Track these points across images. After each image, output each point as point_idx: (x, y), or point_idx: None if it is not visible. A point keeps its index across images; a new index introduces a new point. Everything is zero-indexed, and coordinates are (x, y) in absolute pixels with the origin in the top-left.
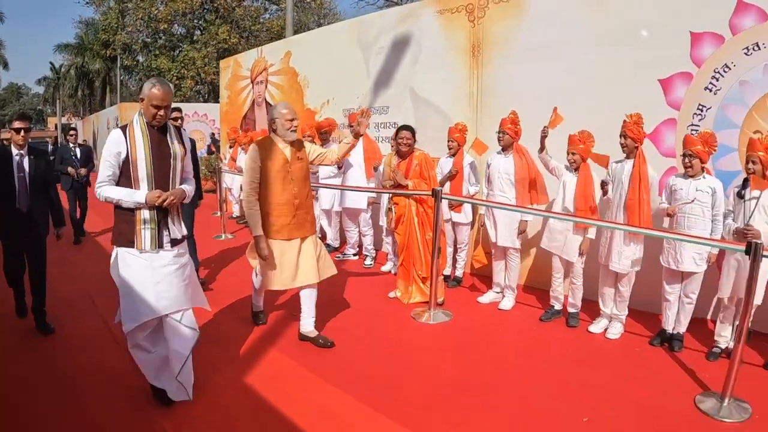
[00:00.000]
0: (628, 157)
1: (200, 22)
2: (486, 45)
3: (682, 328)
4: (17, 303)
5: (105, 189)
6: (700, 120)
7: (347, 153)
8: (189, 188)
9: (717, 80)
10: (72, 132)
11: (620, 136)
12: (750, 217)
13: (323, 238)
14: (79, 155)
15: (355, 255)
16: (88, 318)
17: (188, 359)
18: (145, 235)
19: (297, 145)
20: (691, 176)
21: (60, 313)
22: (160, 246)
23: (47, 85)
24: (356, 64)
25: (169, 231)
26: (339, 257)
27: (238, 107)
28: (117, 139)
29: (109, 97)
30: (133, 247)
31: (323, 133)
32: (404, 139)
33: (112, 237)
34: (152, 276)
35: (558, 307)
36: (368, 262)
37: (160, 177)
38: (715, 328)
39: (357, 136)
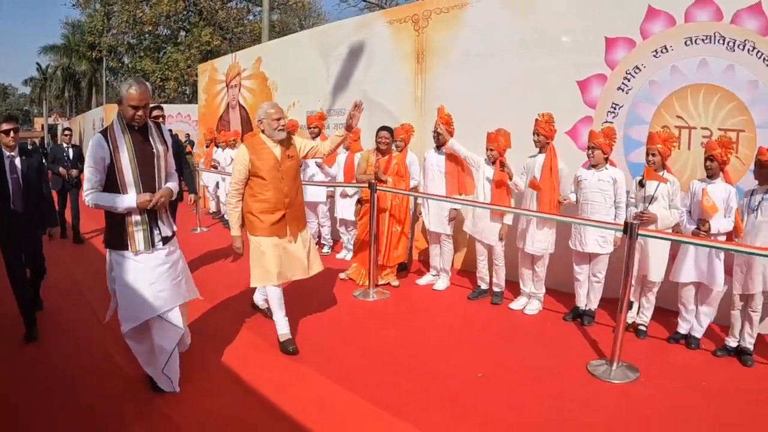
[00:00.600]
0: (540, 152)
1: (184, 24)
2: (429, 53)
3: (592, 305)
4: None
5: (94, 196)
6: (613, 117)
7: (339, 145)
8: (174, 185)
9: (628, 81)
10: (67, 132)
11: (533, 133)
12: (649, 204)
13: None
14: (71, 155)
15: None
16: (85, 317)
17: (173, 354)
18: (138, 236)
19: (286, 143)
20: (594, 166)
21: (56, 310)
22: (153, 245)
23: (34, 86)
24: (318, 70)
25: (159, 230)
26: None
27: (215, 109)
28: (99, 144)
29: (95, 98)
30: (127, 249)
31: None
32: (383, 138)
33: (104, 240)
34: (147, 277)
35: (484, 287)
36: (325, 250)
37: (147, 179)
38: None
39: (349, 128)
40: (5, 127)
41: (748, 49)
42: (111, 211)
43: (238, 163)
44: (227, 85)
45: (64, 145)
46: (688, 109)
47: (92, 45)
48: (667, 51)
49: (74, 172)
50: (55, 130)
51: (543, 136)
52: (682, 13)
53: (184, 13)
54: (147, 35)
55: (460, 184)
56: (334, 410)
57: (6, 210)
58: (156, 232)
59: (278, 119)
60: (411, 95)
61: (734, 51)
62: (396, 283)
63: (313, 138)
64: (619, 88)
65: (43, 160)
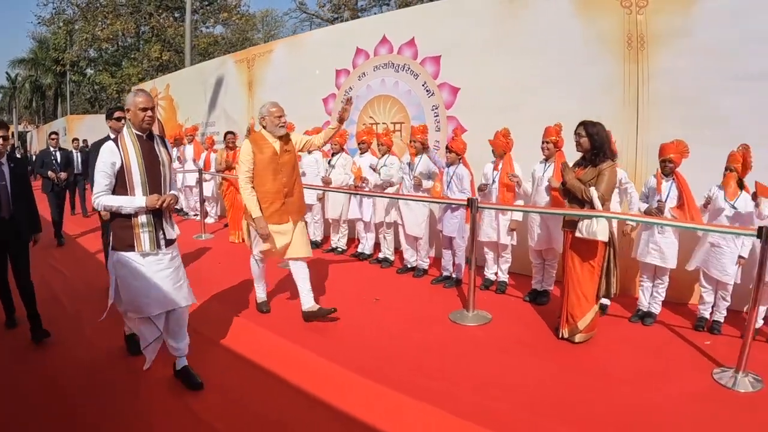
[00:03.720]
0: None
1: (137, 41)
2: (255, 84)
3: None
4: (6, 311)
5: (104, 198)
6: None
7: (332, 138)
8: (177, 193)
9: (347, 94)
10: (53, 136)
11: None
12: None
13: None
14: (59, 159)
15: None
16: (76, 320)
17: (151, 344)
18: (144, 237)
19: (285, 138)
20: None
21: (49, 316)
22: (158, 246)
23: (3, 95)
24: (199, 94)
25: (164, 232)
26: None
27: None
28: (111, 150)
29: (61, 108)
30: (133, 250)
31: (177, 138)
32: (230, 139)
33: (111, 242)
34: (149, 279)
35: (446, 274)
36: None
37: (153, 183)
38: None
39: (341, 121)
40: None
41: (406, 70)
42: (118, 214)
43: (244, 155)
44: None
45: (51, 149)
46: (375, 112)
47: (57, 60)
48: (365, 75)
49: (63, 175)
50: (25, 136)
51: (455, 152)
52: (373, 49)
53: (137, 30)
54: (105, 51)
55: None
56: (360, 396)
57: None
58: (161, 234)
59: (280, 116)
60: (247, 112)
61: (399, 72)
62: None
63: (229, 147)
64: (340, 102)
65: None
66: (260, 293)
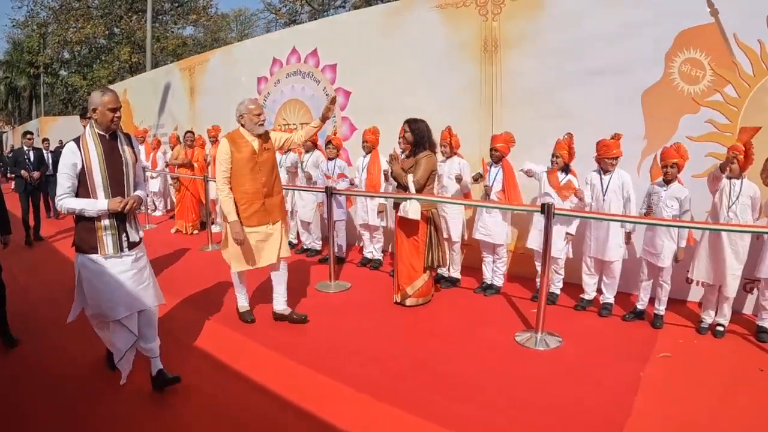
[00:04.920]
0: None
1: (108, 43)
2: (196, 89)
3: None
4: None
5: (66, 201)
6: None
7: (312, 135)
8: (142, 193)
9: (266, 100)
10: (30, 136)
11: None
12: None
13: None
14: (32, 158)
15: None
16: (55, 320)
17: (125, 355)
18: (107, 241)
19: (264, 137)
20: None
21: (27, 315)
22: (121, 249)
23: None
24: (152, 99)
25: (128, 235)
26: None
27: None
28: (72, 151)
29: (36, 109)
30: (96, 253)
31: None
32: (189, 137)
33: (74, 244)
34: (112, 281)
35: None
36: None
37: (115, 184)
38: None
39: (324, 119)
40: None
41: (311, 77)
42: (81, 216)
43: (221, 154)
44: None
45: (26, 148)
46: (288, 114)
47: (31, 62)
48: (279, 82)
49: (36, 174)
50: (0, 137)
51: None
52: (285, 59)
53: (107, 33)
54: (78, 53)
55: None
56: (328, 399)
57: None
58: (124, 237)
59: (259, 114)
60: (189, 115)
61: (305, 78)
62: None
63: (188, 146)
64: (264, 105)
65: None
66: (242, 302)
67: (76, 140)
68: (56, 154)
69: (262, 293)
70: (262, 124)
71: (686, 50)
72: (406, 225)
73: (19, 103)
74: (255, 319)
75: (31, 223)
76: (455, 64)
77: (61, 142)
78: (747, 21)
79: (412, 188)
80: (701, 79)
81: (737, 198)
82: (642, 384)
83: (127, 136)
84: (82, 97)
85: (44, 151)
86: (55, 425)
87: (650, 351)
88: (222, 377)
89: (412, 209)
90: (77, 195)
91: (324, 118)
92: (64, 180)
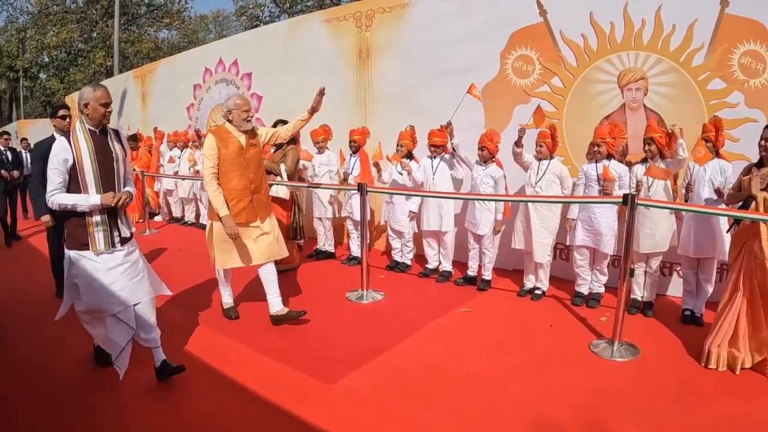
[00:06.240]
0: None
1: (84, 48)
2: (147, 96)
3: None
4: None
5: (58, 196)
6: (197, 122)
7: (300, 128)
8: (132, 189)
9: (200, 104)
10: (6, 136)
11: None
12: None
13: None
14: (10, 158)
15: None
16: (25, 323)
17: (123, 350)
18: (99, 236)
19: (251, 133)
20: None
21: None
22: (113, 245)
23: None
24: (113, 104)
25: (119, 231)
26: None
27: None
28: (62, 146)
29: (16, 112)
30: (87, 249)
31: None
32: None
33: (65, 241)
34: (105, 277)
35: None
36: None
37: (106, 180)
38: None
39: (313, 112)
40: None
41: (233, 84)
42: (72, 213)
43: (207, 150)
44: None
45: (2, 148)
46: (216, 117)
47: (10, 66)
48: (210, 89)
49: (16, 173)
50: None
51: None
52: (214, 68)
53: (86, 37)
54: (56, 57)
55: None
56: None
57: None
58: (115, 232)
59: (247, 111)
60: (141, 119)
61: (229, 85)
62: None
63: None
64: (197, 109)
65: None
66: (226, 298)
67: (67, 136)
68: (33, 153)
69: (248, 292)
70: (250, 120)
71: (519, 48)
72: (278, 203)
73: (0, 106)
74: (239, 316)
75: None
76: (338, 69)
77: (28, 143)
78: (572, 18)
79: (284, 176)
80: (531, 73)
81: (543, 175)
82: (423, 330)
83: (116, 132)
84: (59, 99)
85: (24, 151)
86: (41, 427)
87: (453, 307)
88: (209, 380)
89: (281, 191)
90: (68, 191)
91: (313, 111)
92: (55, 176)
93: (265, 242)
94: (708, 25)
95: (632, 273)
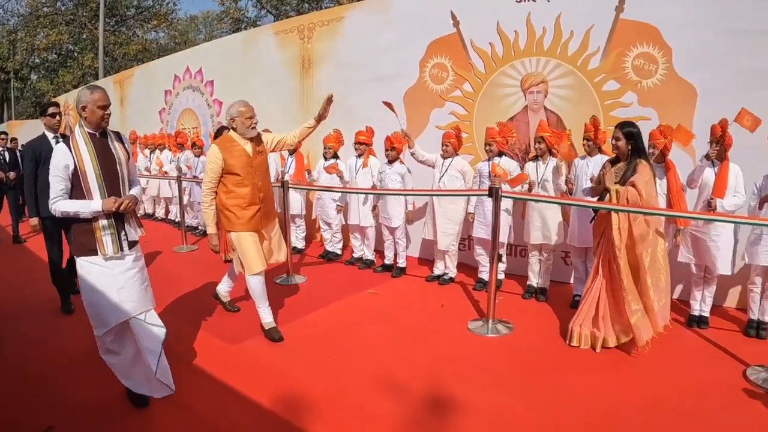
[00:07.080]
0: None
1: (73, 50)
2: (125, 100)
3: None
4: None
5: (60, 203)
6: (167, 125)
7: (307, 135)
8: (138, 191)
9: (170, 108)
10: (2, 136)
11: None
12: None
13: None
14: (7, 158)
15: None
16: (38, 326)
17: (161, 355)
18: (106, 240)
19: (256, 139)
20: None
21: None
22: (121, 248)
23: None
24: None
25: (126, 234)
26: None
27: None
28: (63, 152)
29: (7, 113)
30: (95, 255)
31: None
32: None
33: (72, 249)
34: (115, 282)
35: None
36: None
37: (110, 184)
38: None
39: (320, 119)
40: None
41: (198, 90)
42: (78, 218)
43: (211, 162)
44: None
45: (0, 148)
46: (184, 121)
47: (1, 67)
48: (179, 94)
49: (12, 174)
50: None
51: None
52: (182, 76)
53: (77, 39)
54: (46, 59)
55: None
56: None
57: None
58: (123, 236)
59: (251, 117)
60: (118, 123)
61: (194, 92)
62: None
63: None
64: (169, 113)
65: None
66: (266, 316)
67: (66, 141)
68: (24, 152)
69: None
70: (254, 127)
71: (435, 57)
72: None
73: None
74: (283, 337)
75: (9, 221)
76: (285, 78)
77: (17, 143)
78: (481, 27)
79: None
80: (446, 79)
81: (446, 171)
82: (328, 307)
83: (117, 134)
84: (48, 101)
85: (15, 151)
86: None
87: (363, 289)
88: (215, 392)
89: None
90: (71, 197)
91: (320, 118)
92: (57, 182)
93: (276, 243)
94: (604, 30)
95: (500, 258)
